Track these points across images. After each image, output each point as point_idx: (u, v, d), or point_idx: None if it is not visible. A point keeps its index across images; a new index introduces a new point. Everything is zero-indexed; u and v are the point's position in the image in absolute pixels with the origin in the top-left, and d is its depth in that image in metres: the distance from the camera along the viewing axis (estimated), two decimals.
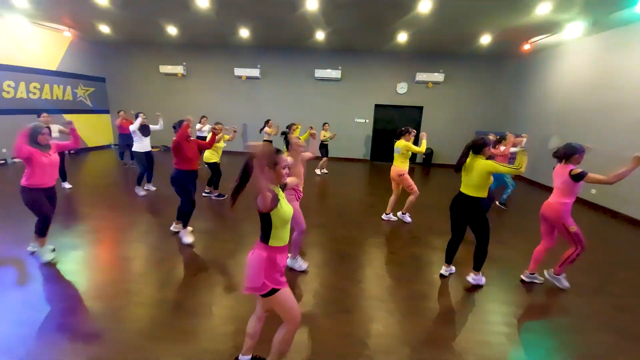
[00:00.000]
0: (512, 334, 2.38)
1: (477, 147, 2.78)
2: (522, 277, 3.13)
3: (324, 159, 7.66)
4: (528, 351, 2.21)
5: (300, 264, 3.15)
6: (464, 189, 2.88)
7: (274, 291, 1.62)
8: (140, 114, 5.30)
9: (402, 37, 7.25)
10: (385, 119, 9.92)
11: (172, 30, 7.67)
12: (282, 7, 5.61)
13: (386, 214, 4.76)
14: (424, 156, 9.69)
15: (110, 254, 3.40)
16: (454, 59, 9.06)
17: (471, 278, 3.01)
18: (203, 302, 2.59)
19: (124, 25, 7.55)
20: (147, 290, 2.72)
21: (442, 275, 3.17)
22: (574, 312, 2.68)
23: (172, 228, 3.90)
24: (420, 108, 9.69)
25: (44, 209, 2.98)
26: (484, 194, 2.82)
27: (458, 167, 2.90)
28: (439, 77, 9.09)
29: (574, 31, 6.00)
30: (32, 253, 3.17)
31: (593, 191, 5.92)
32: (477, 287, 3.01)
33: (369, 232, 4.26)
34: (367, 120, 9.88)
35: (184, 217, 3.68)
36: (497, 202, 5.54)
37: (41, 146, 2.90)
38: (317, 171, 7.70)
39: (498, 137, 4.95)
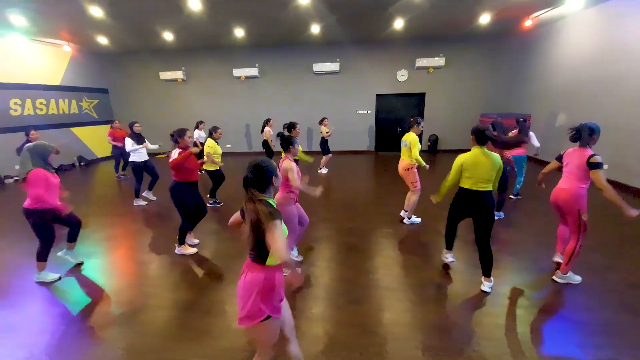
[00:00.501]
0: (525, 316, 2.38)
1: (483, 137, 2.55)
2: (555, 278, 2.81)
3: (327, 156, 7.28)
4: (541, 331, 2.21)
5: (296, 254, 3.28)
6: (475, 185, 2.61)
7: (266, 318, 1.43)
8: (135, 124, 5.25)
9: (398, 24, 7.13)
10: (387, 109, 9.83)
11: (168, 36, 7.71)
12: (274, 3, 5.58)
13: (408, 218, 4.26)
14: (429, 143, 9.59)
15: (124, 260, 3.50)
16: (454, 42, 8.88)
17: (487, 287, 2.69)
18: (216, 301, 2.66)
19: (121, 35, 7.61)
20: (162, 293, 2.81)
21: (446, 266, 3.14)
22: (586, 290, 2.65)
23: (176, 251, 3.56)
24: (423, 94, 9.56)
25: (51, 233, 2.93)
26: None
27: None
28: (439, 61, 8.93)
29: (576, 2, 5.80)
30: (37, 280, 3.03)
31: (605, 166, 5.78)
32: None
33: (376, 223, 4.26)
34: (369, 111, 9.81)
35: (180, 234, 3.47)
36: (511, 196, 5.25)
37: (50, 166, 2.87)
38: (323, 170, 7.40)
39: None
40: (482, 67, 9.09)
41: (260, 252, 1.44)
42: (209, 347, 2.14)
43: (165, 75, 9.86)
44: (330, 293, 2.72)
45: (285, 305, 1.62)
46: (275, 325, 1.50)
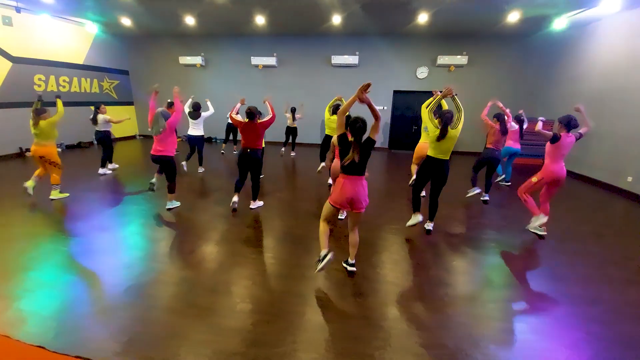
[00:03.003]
0: (537, 323, 2.30)
1: (451, 122, 3.37)
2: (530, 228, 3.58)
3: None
4: (553, 341, 2.13)
5: None
6: (442, 155, 3.42)
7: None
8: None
9: (422, 18, 6.93)
10: (404, 106, 9.65)
11: (190, 20, 7.74)
12: None
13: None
14: None
15: (136, 235, 3.56)
16: (478, 40, 8.59)
17: (430, 226, 3.73)
18: (222, 281, 2.67)
19: (144, 18, 7.69)
20: (170, 269, 2.85)
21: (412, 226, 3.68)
22: (605, 303, 2.54)
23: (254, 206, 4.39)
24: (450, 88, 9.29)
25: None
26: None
27: (441, 138, 3.32)
28: (462, 59, 8.66)
29: (612, 4, 5.49)
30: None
31: (629, 179, 5.53)
32: (499, 272, 2.92)
33: (386, 218, 4.20)
34: (385, 108, 9.65)
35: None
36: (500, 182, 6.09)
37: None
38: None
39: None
40: (507, 68, 8.78)
41: (363, 169, 2.57)
42: (214, 325, 2.15)
43: (185, 60, 9.95)
44: (336, 284, 2.70)
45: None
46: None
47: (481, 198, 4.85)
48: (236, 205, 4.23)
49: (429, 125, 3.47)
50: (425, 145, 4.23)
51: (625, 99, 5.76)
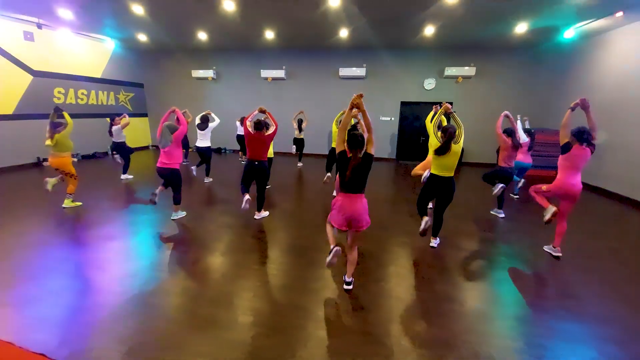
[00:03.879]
0: (547, 342, 2.19)
1: (454, 137, 3.24)
2: (545, 248, 3.60)
3: None
4: None
5: None
6: (446, 172, 3.33)
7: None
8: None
9: (429, 31, 7.00)
10: (411, 117, 9.65)
11: (202, 36, 8.03)
12: (305, 6, 5.66)
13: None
14: None
15: (143, 244, 3.62)
16: (486, 51, 8.59)
17: (435, 243, 3.66)
18: (224, 293, 2.67)
19: (159, 34, 8.02)
20: (173, 279, 2.87)
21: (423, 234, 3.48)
22: (620, 322, 2.42)
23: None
24: (450, 104, 9.26)
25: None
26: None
27: (444, 152, 3.23)
28: (469, 71, 8.66)
29: (621, 15, 5.42)
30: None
31: None
32: (508, 288, 2.83)
33: (392, 231, 4.15)
34: (392, 119, 9.67)
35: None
36: (510, 194, 5.92)
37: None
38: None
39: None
40: (516, 79, 8.71)
41: (362, 186, 2.56)
42: (214, 336, 2.14)
43: (197, 73, 10.26)
44: (339, 297, 2.66)
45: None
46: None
47: (499, 216, 4.81)
48: (248, 203, 4.02)
49: (432, 138, 3.46)
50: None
51: (638, 111, 5.61)
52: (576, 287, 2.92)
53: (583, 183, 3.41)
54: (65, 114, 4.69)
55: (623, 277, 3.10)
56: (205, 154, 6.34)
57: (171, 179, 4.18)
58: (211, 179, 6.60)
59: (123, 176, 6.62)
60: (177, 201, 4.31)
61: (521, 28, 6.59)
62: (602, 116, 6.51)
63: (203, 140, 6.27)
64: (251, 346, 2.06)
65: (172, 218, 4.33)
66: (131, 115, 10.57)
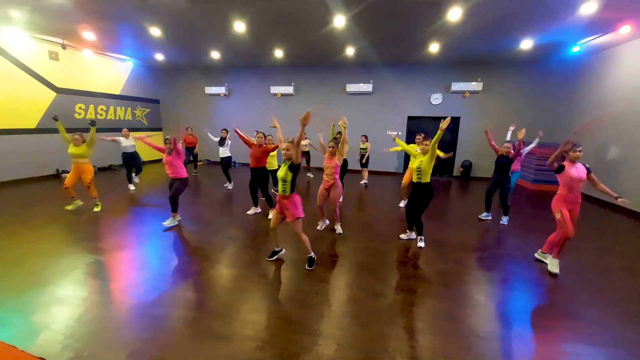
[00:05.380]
0: None
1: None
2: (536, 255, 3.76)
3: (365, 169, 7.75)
4: None
5: (340, 229, 4.51)
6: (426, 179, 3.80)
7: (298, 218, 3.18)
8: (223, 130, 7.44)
9: (434, 48, 7.13)
10: (418, 131, 9.64)
11: (215, 54, 8.41)
12: (312, 27, 5.89)
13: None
14: (461, 169, 9.21)
15: (149, 255, 3.71)
16: (492, 67, 8.63)
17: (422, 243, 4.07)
18: (225, 305, 2.70)
19: (175, 53, 8.46)
20: (176, 290, 2.92)
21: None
22: (629, 345, 2.31)
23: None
24: (457, 119, 9.30)
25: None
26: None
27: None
28: (476, 86, 8.69)
29: (628, 30, 5.41)
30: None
31: None
32: (511, 306, 2.75)
33: (394, 245, 4.12)
34: (399, 133, 9.70)
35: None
36: None
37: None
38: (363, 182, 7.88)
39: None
40: (523, 93, 8.67)
41: (292, 189, 3.18)
42: (210, 348, 2.17)
43: (210, 90, 10.68)
44: (336, 312, 2.65)
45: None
46: (300, 221, 3.24)
47: (501, 222, 5.09)
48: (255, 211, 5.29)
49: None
50: None
51: None
52: (583, 305, 2.81)
53: (594, 198, 3.43)
54: (92, 130, 5.15)
55: (633, 296, 2.97)
56: (225, 163, 7.40)
57: (177, 185, 4.57)
58: (232, 184, 7.51)
59: (135, 179, 7.34)
60: (173, 207, 4.63)
61: (526, 44, 6.64)
62: (612, 131, 6.40)
63: (225, 151, 7.41)
64: (251, 359, 2.07)
65: (164, 224, 4.60)
66: (147, 129, 11.04)
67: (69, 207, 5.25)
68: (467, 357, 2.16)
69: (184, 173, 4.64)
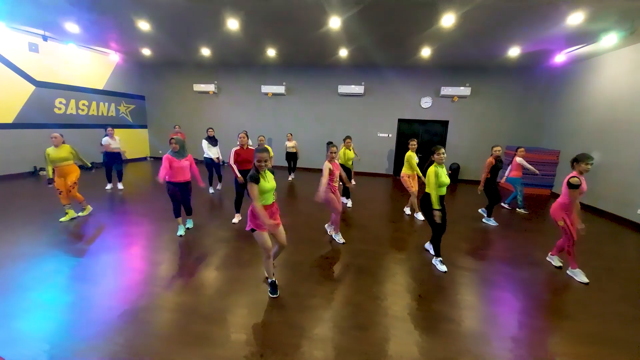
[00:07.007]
0: None
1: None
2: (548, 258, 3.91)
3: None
4: None
5: (339, 238, 4.22)
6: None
7: (252, 230, 2.67)
8: (209, 129, 6.81)
9: (425, 52, 7.23)
10: (409, 134, 9.79)
11: (205, 51, 8.22)
12: (307, 27, 5.85)
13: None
14: (449, 172, 9.40)
15: (138, 258, 3.57)
16: (481, 72, 8.85)
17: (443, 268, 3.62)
18: (218, 309, 2.62)
19: (163, 48, 8.21)
20: (167, 295, 2.82)
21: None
22: (617, 343, 2.39)
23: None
24: (446, 122, 9.48)
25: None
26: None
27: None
28: (465, 91, 8.88)
29: (611, 41, 5.66)
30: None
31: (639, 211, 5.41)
32: (506, 307, 2.81)
33: (389, 247, 4.14)
34: (390, 135, 9.81)
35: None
36: (516, 209, 6.28)
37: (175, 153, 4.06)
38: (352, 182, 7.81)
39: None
40: (510, 99, 8.94)
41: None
42: (206, 354, 2.09)
43: (199, 87, 10.43)
44: (335, 315, 2.62)
45: (280, 230, 2.83)
46: (261, 235, 2.66)
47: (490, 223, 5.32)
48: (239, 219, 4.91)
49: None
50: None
51: (631, 130, 5.77)
52: (573, 306, 2.90)
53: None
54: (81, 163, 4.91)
55: (620, 296, 3.10)
56: (212, 164, 6.96)
57: (189, 187, 4.36)
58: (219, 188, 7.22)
59: (119, 184, 6.90)
60: (190, 211, 4.51)
61: (514, 52, 6.84)
62: (595, 136, 6.69)
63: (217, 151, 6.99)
64: None
65: (187, 227, 4.54)
66: (131, 126, 10.68)
67: (63, 219, 4.60)
68: (466, 358, 2.18)
69: (189, 174, 4.33)
